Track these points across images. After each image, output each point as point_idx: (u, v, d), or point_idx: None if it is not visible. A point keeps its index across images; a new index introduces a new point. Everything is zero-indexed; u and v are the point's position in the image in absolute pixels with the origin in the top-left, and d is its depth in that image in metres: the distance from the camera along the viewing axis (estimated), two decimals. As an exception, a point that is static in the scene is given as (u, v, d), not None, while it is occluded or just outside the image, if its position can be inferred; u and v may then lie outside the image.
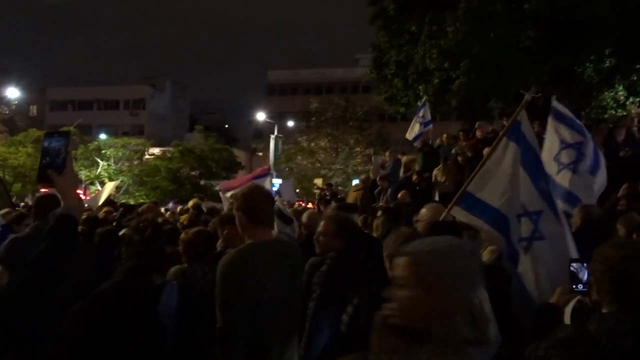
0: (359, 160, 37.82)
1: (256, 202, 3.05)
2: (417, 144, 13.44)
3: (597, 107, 14.94)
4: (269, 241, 3.08)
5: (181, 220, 8.93)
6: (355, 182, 24.59)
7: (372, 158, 28.11)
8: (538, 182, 3.87)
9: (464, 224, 4.11)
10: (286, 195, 13.49)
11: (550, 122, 6.01)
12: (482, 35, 12.64)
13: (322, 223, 3.80)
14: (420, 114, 13.43)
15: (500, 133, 4.38)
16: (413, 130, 13.53)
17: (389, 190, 12.01)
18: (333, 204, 9.10)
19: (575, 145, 5.72)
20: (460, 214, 4.08)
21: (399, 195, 10.69)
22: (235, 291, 2.76)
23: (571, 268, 2.70)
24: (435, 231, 3.34)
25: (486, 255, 4.09)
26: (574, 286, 2.69)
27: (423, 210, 4.55)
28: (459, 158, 10.89)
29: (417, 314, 1.48)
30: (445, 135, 13.62)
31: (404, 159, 13.65)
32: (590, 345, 1.93)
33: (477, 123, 12.41)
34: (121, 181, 32.74)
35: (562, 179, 5.70)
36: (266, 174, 10.35)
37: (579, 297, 2.74)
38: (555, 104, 6.12)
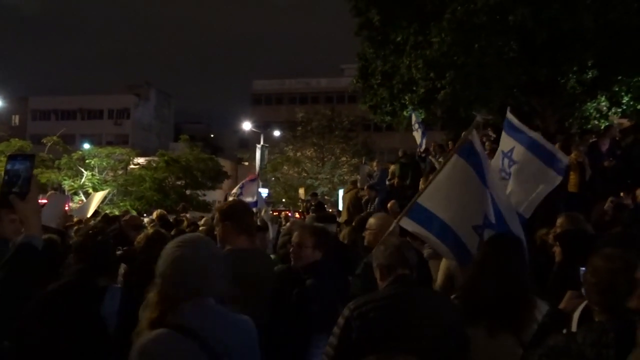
0: (345, 169, 37.90)
1: (238, 213, 3.39)
2: (400, 153, 13.60)
3: (580, 117, 15.17)
4: (247, 249, 3.35)
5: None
6: (341, 192, 24.61)
7: (360, 167, 28.18)
8: (496, 197, 3.97)
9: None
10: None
11: (504, 135, 5.97)
12: (466, 46, 12.78)
13: (297, 234, 3.66)
14: (413, 122, 13.63)
15: (451, 150, 4.46)
16: (418, 141, 13.86)
17: (377, 199, 12.03)
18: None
19: (507, 154, 5.67)
20: (409, 225, 4.12)
21: (389, 204, 10.69)
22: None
23: (582, 272, 2.71)
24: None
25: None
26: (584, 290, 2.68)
27: (372, 220, 4.57)
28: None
29: None
30: (432, 145, 13.73)
31: (391, 168, 13.75)
32: (575, 355, 1.95)
33: (463, 133, 12.52)
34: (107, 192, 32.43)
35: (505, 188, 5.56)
36: (254, 179, 11.53)
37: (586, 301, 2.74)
38: (509, 116, 6.12)
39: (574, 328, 2.65)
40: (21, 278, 1.85)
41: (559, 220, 4.67)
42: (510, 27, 12.38)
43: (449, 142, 12.99)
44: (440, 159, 11.99)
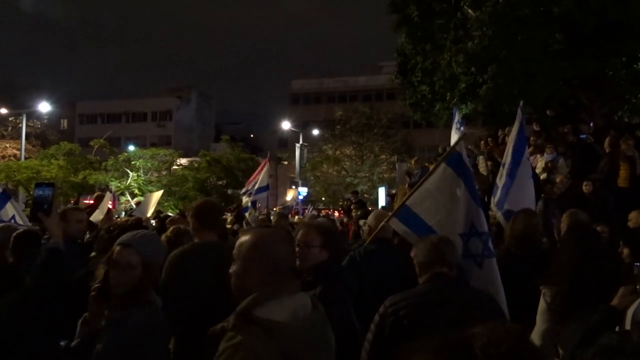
0: (384, 167, 37.68)
1: (204, 211, 3.88)
2: (440, 150, 13.38)
3: (629, 110, 14.62)
4: (210, 242, 3.82)
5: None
6: (381, 189, 24.48)
7: (396, 165, 27.91)
8: (481, 206, 4.22)
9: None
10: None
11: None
12: (509, 40, 12.51)
13: (302, 232, 3.47)
14: (456, 120, 13.40)
15: (439, 159, 4.77)
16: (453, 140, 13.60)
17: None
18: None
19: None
20: (397, 226, 4.34)
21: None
22: (174, 279, 3.47)
23: (636, 267, 2.63)
24: None
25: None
26: (638, 287, 2.58)
27: (370, 216, 4.89)
28: (489, 163, 10.76)
29: None
30: (477, 141, 13.51)
31: (432, 166, 13.57)
32: (630, 354, 1.89)
33: (507, 129, 12.26)
34: (150, 191, 33.28)
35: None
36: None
37: None
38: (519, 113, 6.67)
39: (627, 326, 2.56)
40: (55, 276, 2.54)
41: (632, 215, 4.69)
42: (555, 18, 12.05)
43: (489, 139, 12.72)
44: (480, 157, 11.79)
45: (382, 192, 23.42)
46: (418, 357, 0.91)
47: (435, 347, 0.91)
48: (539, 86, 12.64)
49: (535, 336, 3.06)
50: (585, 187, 8.86)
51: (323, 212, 21.49)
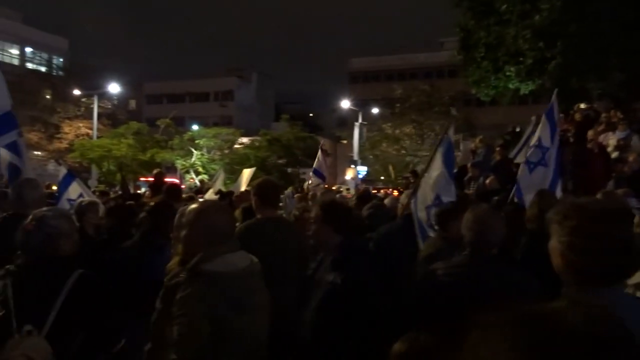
0: (446, 146, 36.97)
1: (264, 189, 4.15)
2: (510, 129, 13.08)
3: None
4: (270, 217, 4.10)
5: None
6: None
7: (461, 144, 27.32)
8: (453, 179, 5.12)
9: None
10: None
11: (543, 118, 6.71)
12: (579, 13, 11.96)
13: (314, 208, 3.49)
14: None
15: (435, 145, 5.50)
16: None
17: (480, 178, 11.71)
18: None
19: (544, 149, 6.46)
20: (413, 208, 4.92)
21: (487, 181, 10.40)
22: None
23: None
24: None
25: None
26: None
27: (402, 195, 5.74)
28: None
29: None
30: (534, 119, 13.08)
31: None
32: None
33: (576, 105, 11.81)
34: (214, 170, 34.29)
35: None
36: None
37: None
38: (553, 99, 6.92)
39: None
40: None
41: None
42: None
43: (560, 115, 12.25)
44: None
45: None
46: (494, 331, 0.81)
47: (513, 320, 0.82)
48: (610, 60, 12.06)
49: None
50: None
51: (382, 192, 21.52)
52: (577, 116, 11.11)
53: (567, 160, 9.54)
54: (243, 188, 11.50)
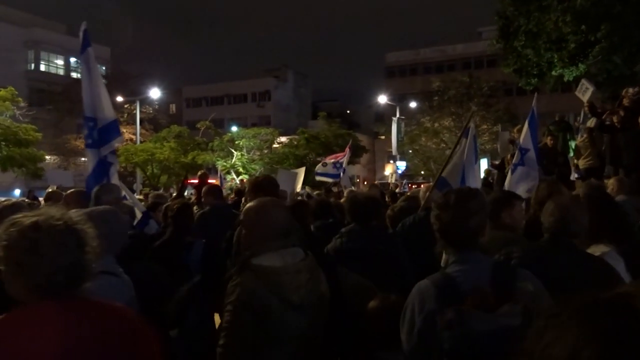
0: (486, 138, 36.18)
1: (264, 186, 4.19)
2: (557, 117, 12.70)
3: None
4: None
5: None
6: (483, 161, 23.57)
7: (499, 135, 26.66)
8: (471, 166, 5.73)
9: None
10: (285, 187, 13.24)
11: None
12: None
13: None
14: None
15: (460, 134, 6.10)
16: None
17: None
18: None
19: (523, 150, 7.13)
20: (437, 196, 4.96)
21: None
22: None
23: None
24: None
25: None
26: None
27: (421, 189, 5.97)
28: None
29: None
30: (585, 106, 12.62)
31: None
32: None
33: (624, 90, 11.33)
34: (254, 169, 34.70)
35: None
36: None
37: None
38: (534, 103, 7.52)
39: None
40: None
41: None
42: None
43: (607, 101, 11.82)
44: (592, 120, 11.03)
45: (484, 163, 22.57)
46: (563, 318, 0.77)
47: (583, 307, 0.77)
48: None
49: None
50: None
51: (423, 186, 21.23)
52: (626, 101, 10.66)
53: (614, 146, 9.20)
54: (298, 188, 11.74)
